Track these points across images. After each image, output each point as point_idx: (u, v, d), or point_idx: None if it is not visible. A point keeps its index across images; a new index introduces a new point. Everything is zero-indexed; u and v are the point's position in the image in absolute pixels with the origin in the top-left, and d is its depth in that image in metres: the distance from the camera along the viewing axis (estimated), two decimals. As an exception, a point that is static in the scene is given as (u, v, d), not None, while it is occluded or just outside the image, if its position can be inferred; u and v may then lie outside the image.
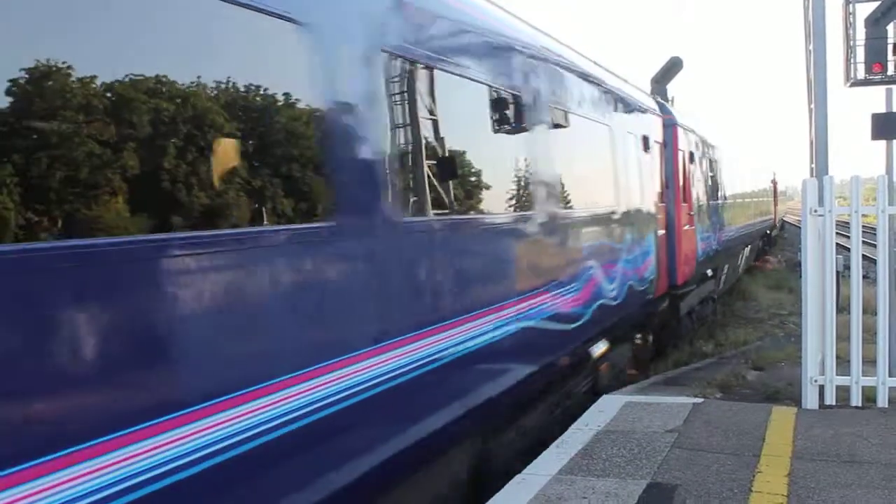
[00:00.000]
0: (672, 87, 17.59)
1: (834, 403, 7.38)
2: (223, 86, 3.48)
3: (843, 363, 7.45)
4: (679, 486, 5.34)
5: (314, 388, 3.67)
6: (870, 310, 7.82)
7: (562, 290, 7.11)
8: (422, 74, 5.04)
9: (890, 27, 15.42)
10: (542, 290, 6.61)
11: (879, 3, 15.43)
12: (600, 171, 8.86)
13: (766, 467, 5.69)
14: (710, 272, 15.44)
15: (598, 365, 8.68)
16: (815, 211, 7.40)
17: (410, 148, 4.93)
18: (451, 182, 5.32)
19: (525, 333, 6.15)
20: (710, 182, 16.06)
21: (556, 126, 7.24)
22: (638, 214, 10.18)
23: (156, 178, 3.09)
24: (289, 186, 3.81)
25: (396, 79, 4.75)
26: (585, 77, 8.54)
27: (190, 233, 3.21)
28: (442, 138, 5.27)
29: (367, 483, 4.10)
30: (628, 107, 10.46)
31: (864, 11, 17.11)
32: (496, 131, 6.25)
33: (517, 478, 5.60)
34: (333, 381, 3.79)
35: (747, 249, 23.53)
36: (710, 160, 16.27)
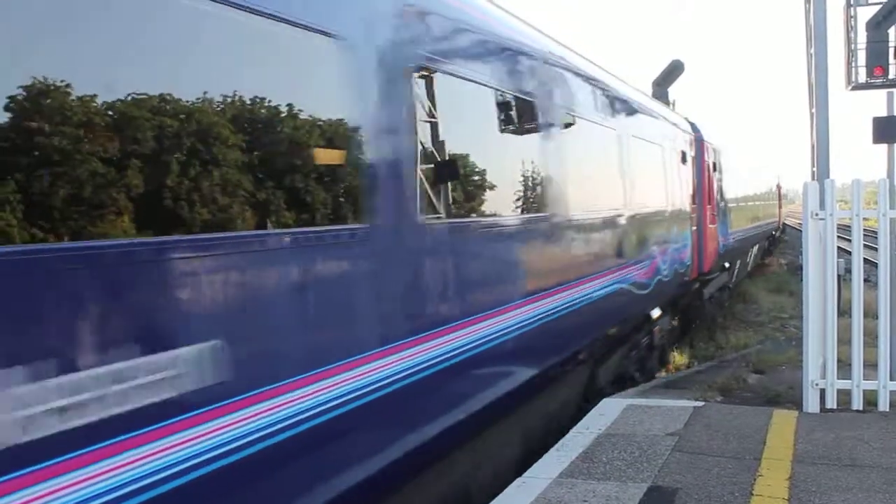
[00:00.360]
0: (672, 89, 17.65)
1: (835, 407, 7.37)
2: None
3: (844, 367, 7.45)
4: (680, 489, 5.34)
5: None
6: (871, 313, 7.82)
7: (640, 266, 9.95)
8: (578, 126, 7.84)
9: (891, 31, 15.42)
10: (630, 264, 9.51)
11: (881, 6, 15.44)
12: (658, 180, 11.51)
13: (766, 471, 5.68)
14: (726, 265, 17.72)
15: (654, 326, 11.24)
16: (817, 214, 7.40)
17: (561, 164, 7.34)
18: (597, 195, 8.51)
19: (620, 293, 9.03)
20: (726, 187, 18.12)
21: (636, 149, 10.15)
22: (680, 213, 12.66)
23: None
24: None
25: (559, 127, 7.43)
26: (650, 113, 11.81)
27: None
28: (592, 167, 8.50)
29: (544, 377, 6.66)
30: (673, 129, 13.22)
31: (865, 15, 17.12)
32: (611, 162, 9.22)
33: (517, 481, 5.60)
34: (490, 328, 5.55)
35: (755, 248, 25.43)
36: (726, 168, 18.24)
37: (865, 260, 7.71)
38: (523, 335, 6.05)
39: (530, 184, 6.76)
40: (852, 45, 18.58)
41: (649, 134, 11.13)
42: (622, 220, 9.30)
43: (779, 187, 39.95)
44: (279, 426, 3.41)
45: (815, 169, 9.52)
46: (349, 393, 3.87)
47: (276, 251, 3.61)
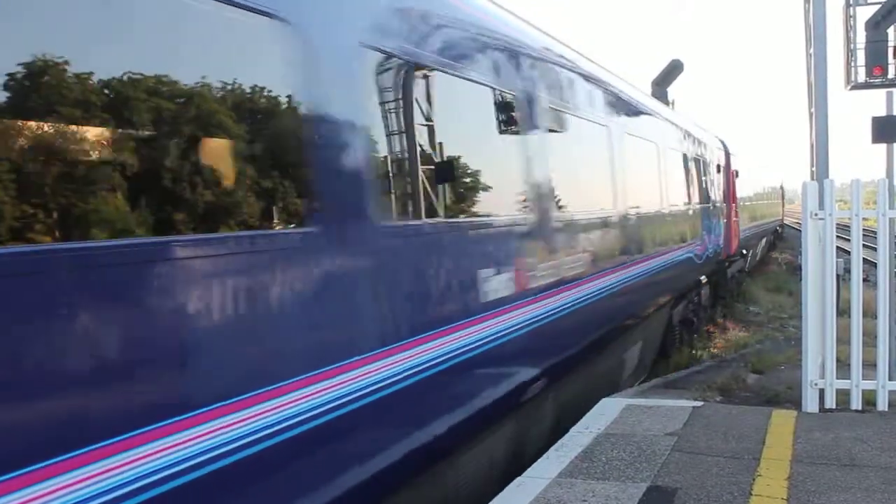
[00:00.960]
0: (672, 89, 17.67)
1: (834, 407, 7.37)
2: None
3: (843, 367, 7.45)
4: (679, 489, 5.34)
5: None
6: (870, 313, 7.82)
7: (698, 242, 14.17)
8: (629, 140, 10.05)
9: (890, 30, 15.44)
10: (696, 243, 13.85)
11: (880, 6, 15.45)
12: (709, 185, 16.38)
13: (766, 470, 5.69)
14: (744, 251, 22.35)
15: (701, 290, 14.97)
16: (816, 214, 7.40)
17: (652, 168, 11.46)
18: (679, 195, 12.79)
19: (689, 260, 13.23)
20: (743, 189, 22.87)
21: (698, 166, 14.98)
22: (717, 208, 17.01)
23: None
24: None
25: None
26: (706, 142, 16.95)
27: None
28: (687, 175, 13.70)
29: (657, 308, 10.63)
30: (714, 149, 18.11)
31: (864, 14, 17.14)
32: (687, 176, 13.89)
33: (516, 481, 5.60)
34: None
35: (764, 241, 30.58)
36: (742, 174, 22.64)
37: (864, 260, 7.71)
38: (648, 281, 10.17)
39: (648, 190, 10.88)
40: (851, 45, 18.60)
41: (702, 154, 16.00)
42: (691, 213, 13.87)
43: (782, 188, 44.89)
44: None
45: (814, 169, 9.53)
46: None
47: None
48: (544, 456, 6.17)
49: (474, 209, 5.85)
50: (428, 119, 5.09)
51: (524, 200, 6.40)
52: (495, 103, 6.10)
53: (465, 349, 5.02)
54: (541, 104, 6.84)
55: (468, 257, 5.34)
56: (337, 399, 3.79)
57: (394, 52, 4.64)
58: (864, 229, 7.49)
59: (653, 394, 8.46)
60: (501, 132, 6.33)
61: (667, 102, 16.02)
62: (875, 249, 7.66)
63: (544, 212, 6.67)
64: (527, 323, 6.00)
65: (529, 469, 5.86)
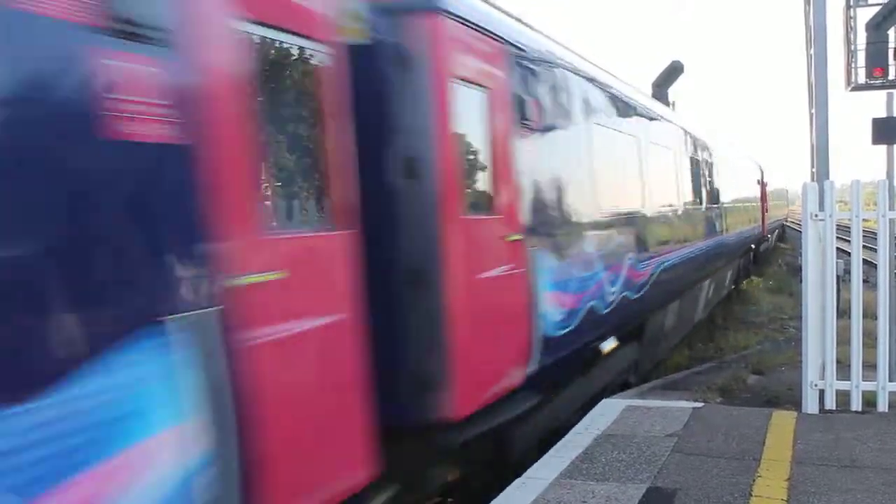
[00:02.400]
0: (672, 90, 17.69)
1: (834, 408, 7.37)
2: None
3: (843, 367, 7.45)
4: (679, 490, 5.34)
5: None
6: (870, 314, 7.82)
7: (755, 223, 25.82)
8: (730, 168, 21.16)
9: (891, 31, 15.45)
10: (752, 223, 24.95)
11: (880, 7, 15.46)
12: (755, 191, 28.21)
13: (766, 471, 5.69)
14: (768, 236, 33.52)
15: (751, 253, 25.21)
16: (816, 215, 7.40)
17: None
18: (741, 196, 23.03)
19: (751, 230, 24.24)
20: (765, 193, 32.76)
21: (752, 182, 27.63)
22: (756, 205, 27.43)
23: None
24: None
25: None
26: (754, 167, 29.34)
27: None
28: (744, 188, 25.08)
29: (733, 258, 20.38)
30: (755, 168, 29.50)
31: (865, 16, 17.14)
32: (751, 186, 26.93)
33: (517, 481, 5.60)
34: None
35: (776, 233, 40.27)
36: (765, 181, 33.63)
37: (865, 261, 7.71)
38: (737, 241, 19.94)
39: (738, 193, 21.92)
40: (852, 46, 18.60)
41: (751, 171, 27.72)
42: (750, 206, 24.84)
43: (786, 191, 55.50)
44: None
45: (814, 170, 9.53)
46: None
47: None
48: (545, 456, 6.17)
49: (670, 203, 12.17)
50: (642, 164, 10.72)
51: (691, 200, 13.83)
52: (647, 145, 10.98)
53: (672, 261, 11.32)
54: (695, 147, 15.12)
55: (673, 225, 12.09)
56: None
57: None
58: (864, 230, 7.50)
59: (653, 395, 8.46)
60: (675, 167, 12.86)
61: (667, 104, 16.01)
62: (875, 250, 7.67)
63: (692, 205, 13.84)
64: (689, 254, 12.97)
65: (530, 469, 5.86)
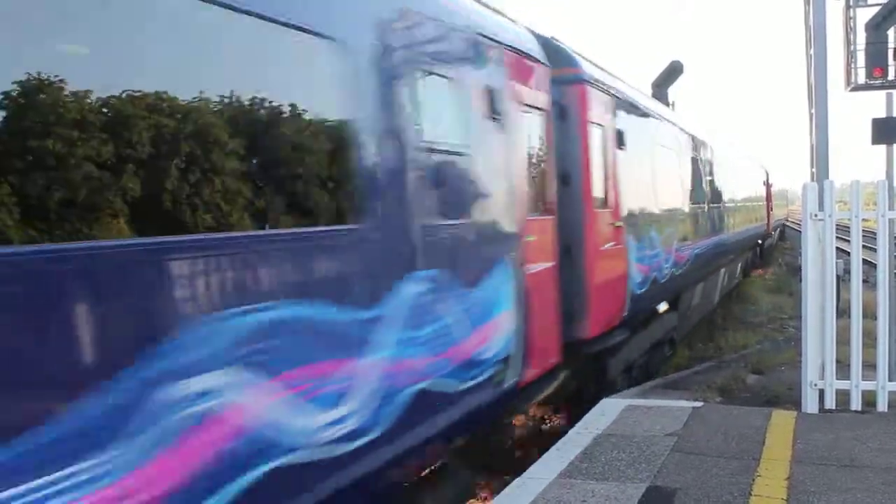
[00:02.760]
0: (672, 90, 17.70)
1: (834, 407, 7.38)
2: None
3: (843, 367, 7.46)
4: (679, 489, 5.35)
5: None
6: (870, 314, 7.82)
7: (760, 221, 28.50)
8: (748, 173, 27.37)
9: (891, 32, 15.43)
10: (758, 221, 27.94)
11: (880, 7, 15.45)
12: (761, 191, 32.12)
13: (765, 471, 5.70)
14: (773, 232, 36.82)
15: (757, 247, 28.23)
16: (816, 215, 7.41)
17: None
18: (746, 197, 25.71)
19: (757, 228, 27.37)
20: (770, 194, 35.92)
21: (761, 185, 33.07)
22: (762, 204, 30.97)
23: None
24: None
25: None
26: (755, 170, 31.33)
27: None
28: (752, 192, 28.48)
29: (746, 248, 24.19)
30: (762, 169, 33.89)
31: (864, 16, 17.12)
32: (757, 189, 30.57)
33: (517, 481, 5.61)
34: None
35: (778, 230, 42.93)
36: (770, 183, 37.19)
37: (864, 261, 7.71)
38: (755, 233, 26.26)
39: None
40: (852, 47, 18.57)
41: (758, 175, 31.20)
42: (757, 205, 28.13)
43: (786, 191, 57.63)
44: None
45: (814, 170, 9.53)
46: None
47: None
48: (544, 456, 6.18)
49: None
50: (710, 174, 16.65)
51: (715, 200, 16.96)
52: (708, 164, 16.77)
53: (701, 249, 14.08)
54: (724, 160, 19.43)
55: (702, 220, 14.80)
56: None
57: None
58: (863, 230, 7.50)
59: (653, 394, 8.47)
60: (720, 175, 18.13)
61: (667, 103, 16.02)
62: (875, 250, 7.67)
63: (715, 204, 16.89)
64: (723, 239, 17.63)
65: (530, 469, 5.87)
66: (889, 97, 8.81)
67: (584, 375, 8.39)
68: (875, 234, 7.58)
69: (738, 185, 22.19)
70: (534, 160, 7.01)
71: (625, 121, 9.54)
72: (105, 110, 2.93)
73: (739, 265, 22.19)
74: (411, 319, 4.61)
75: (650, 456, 6.06)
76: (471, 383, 5.31)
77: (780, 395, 8.05)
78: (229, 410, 3.23)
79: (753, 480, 5.51)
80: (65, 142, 2.75)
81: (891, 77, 15.36)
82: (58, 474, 2.56)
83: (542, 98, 7.18)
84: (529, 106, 6.82)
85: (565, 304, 7.34)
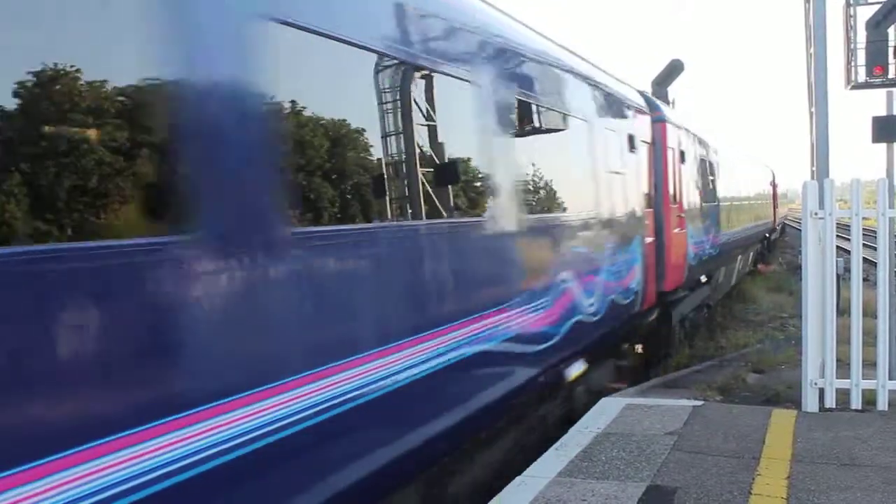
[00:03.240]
0: (672, 89, 17.68)
1: (834, 406, 7.37)
2: None
3: (843, 366, 7.45)
4: (679, 488, 5.34)
5: None
6: (870, 313, 7.81)
7: (764, 220, 30.46)
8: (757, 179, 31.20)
9: (891, 30, 15.39)
10: (761, 220, 29.11)
11: (880, 5, 15.42)
12: (769, 192, 35.79)
13: (765, 470, 5.69)
14: (777, 227, 40.09)
15: (764, 240, 31.65)
16: (816, 214, 7.40)
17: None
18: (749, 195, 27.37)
19: (764, 225, 30.63)
20: (776, 193, 39.02)
21: (768, 186, 36.81)
22: (770, 203, 34.64)
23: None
24: None
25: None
26: (764, 172, 35.56)
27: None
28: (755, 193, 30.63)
29: (754, 242, 27.47)
30: (769, 170, 38.04)
31: (864, 14, 17.08)
32: (763, 190, 33.30)
33: (517, 480, 5.60)
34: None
35: (780, 225, 46.24)
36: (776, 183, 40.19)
37: (865, 259, 7.71)
38: (765, 228, 30.28)
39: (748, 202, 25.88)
40: (852, 45, 18.53)
41: (766, 175, 35.19)
42: (766, 203, 31.87)
43: (786, 191, 61.01)
44: None
45: (814, 168, 9.51)
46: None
47: None
48: (544, 455, 6.17)
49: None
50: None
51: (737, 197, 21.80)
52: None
53: (728, 237, 18.18)
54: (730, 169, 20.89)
55: (729, 214, 18.85)
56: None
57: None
58: (864, 229, 7.50)
59: (653, 393, 8.47)
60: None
61: (667, 102, 16.02)
62: (875, 249, 7.67)
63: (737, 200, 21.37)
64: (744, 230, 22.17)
65: (530, 468, 5.86)
66: (889, 95, 8.81)
67: (660, 317, 11.96)
68: (875, 232, 7.57)
69: (752, 186, 27.09)
70: (646, 174, 10.89)
71: (683, 143, 13.36)
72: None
73: (752, 254, 26.25)
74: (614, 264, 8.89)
75: (650, 455, 6.06)
76: (626, 301, 9.39)
77: (781, 393, 8.05)
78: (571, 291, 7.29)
79: (753, 479, 5.50)
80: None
81: (891, 75, 15.31)
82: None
83: (647, 134, 11.28)
84: (643, 140, 10.89)
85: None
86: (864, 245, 7.57)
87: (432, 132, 5.21)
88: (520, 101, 6.34)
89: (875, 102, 13.43)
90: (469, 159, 5.75)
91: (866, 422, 6.90)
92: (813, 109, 9.65)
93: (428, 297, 4.89)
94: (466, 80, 5.46)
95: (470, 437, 5.56)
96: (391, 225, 4.72)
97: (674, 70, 17.24)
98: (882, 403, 7.30)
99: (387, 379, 4.21)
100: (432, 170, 5.11)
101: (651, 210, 11.06)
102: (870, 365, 7.43)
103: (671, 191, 12.04)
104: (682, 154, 12.90)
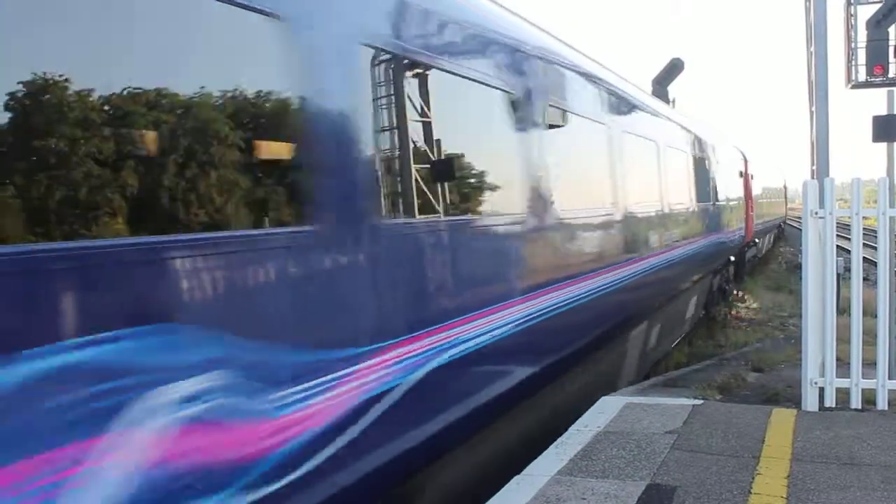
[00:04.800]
0: (672, 87, 17.70)
1: (834, 405, 7.37)
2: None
3: (842, 365, 7.45)
4: (678, 487, 5.34)
5: None
6: (870, 312, 7.81)
7: (767, 218, 34.75)
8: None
9: (891, 29, 15.38)
10: (763, 218, 33.97)
11: (881, 4, 15.41)
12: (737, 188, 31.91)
13: (765, 469, 5.69)
14: (756, 240, 38.15)
15: (775, 230, 41.89)
16: (816, 213, 7.40)
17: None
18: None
19: (775, 221, 40.73)
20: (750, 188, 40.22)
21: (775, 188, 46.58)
22: (779, 202, 45.45)
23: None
24: None
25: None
26: (781, 176, 49.78)
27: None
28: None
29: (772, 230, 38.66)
30: (779, 175, 48.69)
31: (865, 13, 17.07)
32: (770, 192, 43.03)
33: (516, 478, 5.60)
34: None
35: (769, 235, 48.75)
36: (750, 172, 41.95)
37: (865, 258, 7.70)
38: (772, 225, 37.58)
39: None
40: (852, 44, 18.53)
41: (783, 181, 48.82)
42: (770, 202, 38.37)
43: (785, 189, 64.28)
44: None
45: (814, 167, 9.50)
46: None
47: None
48: (544, 453, 6.16)
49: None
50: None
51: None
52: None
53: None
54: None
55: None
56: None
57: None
58: (864, 228, 7.49)
59: (652, 392, 8.46)
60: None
61: (667, 101, 16.05)
62: (875, 248, 7.66)
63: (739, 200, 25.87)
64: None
65: (529, 467, 5.86)
66: (890, 95, 8.79)
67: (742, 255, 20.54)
68: (875, 231, 7.56)
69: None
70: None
71: (751, 168, 20.01)
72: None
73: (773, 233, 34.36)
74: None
75: (650, 453, 6.05)
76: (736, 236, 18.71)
77: (780, 392, 8.04)
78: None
79: (753, 478, 5.50)
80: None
81: (892, 74, 15.31)
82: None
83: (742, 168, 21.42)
84: (739, 172, 20.96)
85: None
86: (864, 244, 7.56)
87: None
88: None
89: (875, 101, 13.44)
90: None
91: (866, 421, 6.89)
92: (813, 108, 9.64)
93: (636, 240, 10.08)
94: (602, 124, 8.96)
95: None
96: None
97: (674, 69, 17.27)
98: (882, 403, 7.30)
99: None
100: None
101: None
102: (870, 364, 7.43)
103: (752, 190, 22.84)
104: (751, 176, 22.67)
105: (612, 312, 8.58)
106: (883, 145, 8.83)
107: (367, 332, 4.01)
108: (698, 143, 15.63)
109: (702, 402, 7.72)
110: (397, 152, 4.64)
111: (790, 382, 8.20)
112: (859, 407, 7.30)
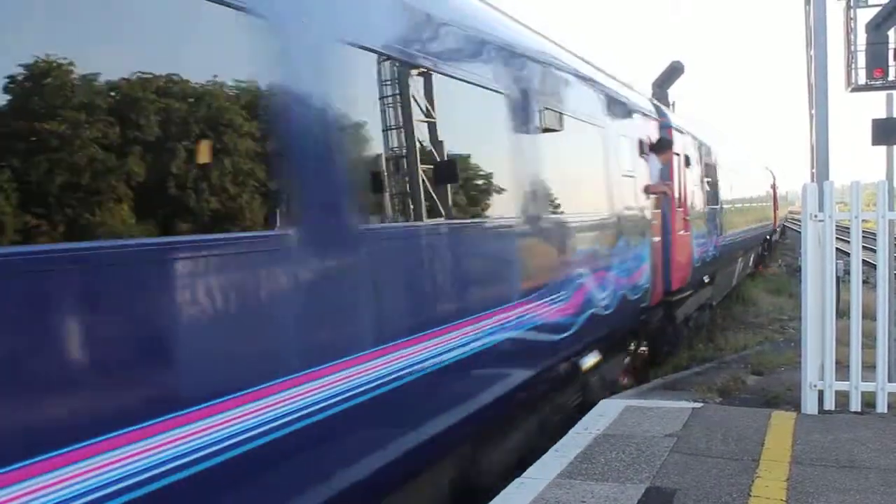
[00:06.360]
0: (672, 90, 17.68)
1: (833, 408, 7.37)
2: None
3: (842, 368, 7.45)
4: (678, 490, 5.34)
5: None
6: (869, 315, 7.81)
7: (767, 221, 32.47)
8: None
9: (891, 32, 15.44)
10: (769, 219, 33.83)
11: (880, 8, 15.46)
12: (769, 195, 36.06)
13: (765, 472, 5.69)
14: (777, 230, 40.59)
15: (771, 242, 36.16)
16: (816, 216, 7.40)
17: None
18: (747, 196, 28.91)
19: (764, 228, 30.87)
20: (776, 195, 39.94)
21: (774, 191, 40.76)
22: (771, 207, 36.14)
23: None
24: None
25: None
26: (773, 177, 41.29)
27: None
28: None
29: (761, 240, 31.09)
30: (769, 173, 38.75)
31: (865, 17, 17.12)
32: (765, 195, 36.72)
33: (516, 481, 5.60)
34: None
35: (780, 228, 47.44)
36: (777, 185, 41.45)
37: (864, 261, 7.70)
38: (764, 231, 30.75)
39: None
40: (852, 47, 18.57)
41: (766, 178, 36.27)
42: (763, 205, 31.76)
43: (787, 193, 61.69)
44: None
45: (814, 170, 9.52)
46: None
47: None
48: (544, 457, 6.17)
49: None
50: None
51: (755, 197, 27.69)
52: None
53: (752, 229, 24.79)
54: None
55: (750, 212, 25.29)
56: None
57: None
58: (863, 231, 7.49)
59: (652, 395, 8.46)
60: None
61: (667, 104, 16.05)
62: (875, 251, 7.67)
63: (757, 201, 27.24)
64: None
65: (529, 469, 5.86)
66: (889, 98, 8.79)
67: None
68: (875, 234, 7.57)
69: (752, 188, 27.68)
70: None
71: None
72: None
73: (752, 255, 27.04)
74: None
75: (649, 456, 6.05)
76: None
77: (780, 395, 8.04)
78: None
79: (753, 481, 5.50)
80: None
81: (891, 78, 15.36)
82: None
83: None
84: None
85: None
86: (863, 247, 7.57)
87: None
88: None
89: (875, 105, 13.45)
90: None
91: (865, 424, 6.90)
92: (813, 112, 9.67)
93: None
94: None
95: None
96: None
97: (674, 72, 17.25)
98: (881, 406, 7.30)
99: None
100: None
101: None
102: (869, 367, 7.43)
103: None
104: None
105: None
106: (882, 148, 8.83)
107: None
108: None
109: (701, 405, 7.72)
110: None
111: (790, 385, 8.21)
112: (859, 410, 7.30)
